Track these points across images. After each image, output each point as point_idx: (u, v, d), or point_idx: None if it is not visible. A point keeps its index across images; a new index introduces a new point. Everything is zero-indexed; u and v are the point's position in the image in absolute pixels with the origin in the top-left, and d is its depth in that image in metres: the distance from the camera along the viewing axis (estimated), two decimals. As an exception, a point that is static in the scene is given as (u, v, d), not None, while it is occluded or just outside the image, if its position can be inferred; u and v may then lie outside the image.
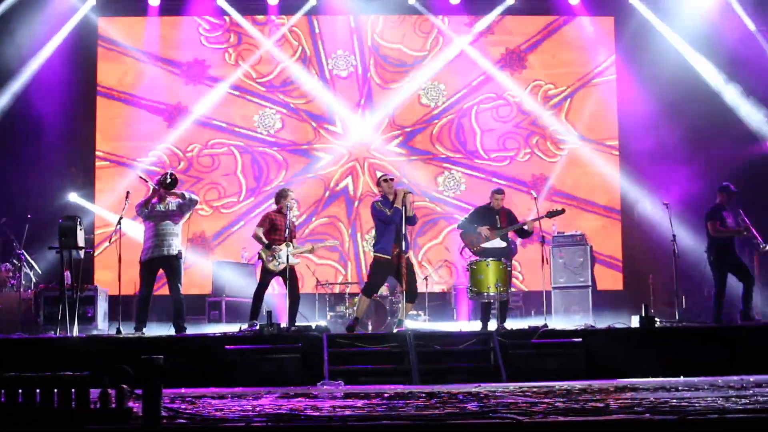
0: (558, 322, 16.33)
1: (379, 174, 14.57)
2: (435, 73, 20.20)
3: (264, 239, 14.44)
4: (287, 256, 14.13)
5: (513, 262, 15.40)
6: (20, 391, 6.79)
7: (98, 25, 19.78)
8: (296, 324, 13.99)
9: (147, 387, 6.61)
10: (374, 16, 20.10)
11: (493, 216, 14.63)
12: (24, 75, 18.77)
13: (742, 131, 18.59)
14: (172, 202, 14.05)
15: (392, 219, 13.66)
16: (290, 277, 14.10)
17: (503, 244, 14.53)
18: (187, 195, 14.16)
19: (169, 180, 14.04)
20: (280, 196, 14.63)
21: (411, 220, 13.91)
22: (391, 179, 14.09)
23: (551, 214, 14.69)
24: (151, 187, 14.11)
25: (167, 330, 14.21)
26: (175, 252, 14.03)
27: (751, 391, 9.17)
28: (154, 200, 14.02)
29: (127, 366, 6.70)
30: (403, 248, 13.62)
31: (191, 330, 14.36)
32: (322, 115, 20.09)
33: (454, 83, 20.27)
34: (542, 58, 20.39)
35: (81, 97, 19.72)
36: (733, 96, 18.76)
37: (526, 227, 14.63)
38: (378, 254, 13.81)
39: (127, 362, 6.89)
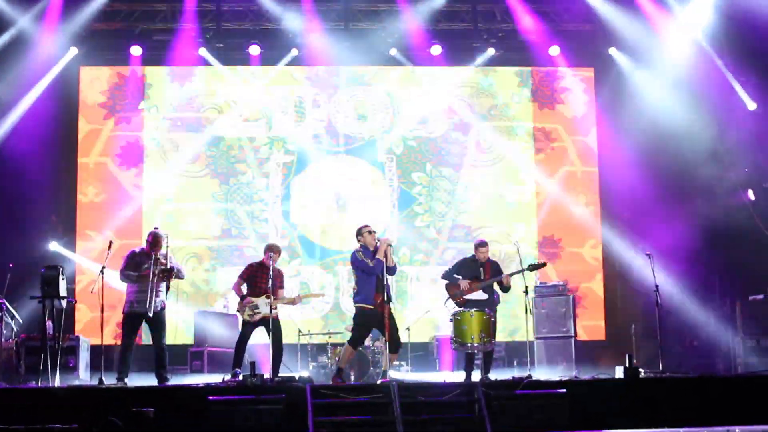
0: (541, 372, 16.32)
1: (360, 225, 14.53)
2: (415, 123, 20.31)
3: (240, 290, 14.47)
4: (266, 307, 14.13)
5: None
6: (9, 443, 6.74)
7: (80, 74, 19.78)
8: (279, 375, 13.94)
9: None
10: (355, 66, 20.17)
11: (477, 268, 14.63)
12: (5, 124, 18.73)
13: (723, 181, 18.67)
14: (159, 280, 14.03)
15: (374, 270, 13.66)
16: (273, 327, 14.08)
17: (485, 296, 14.51)
18: (175, 271, 14.14)
19: (167, 273, 14.03)
20: (269, 249, 14.64)
21: (391, 270, 13.89)
22: (374, 231, 14.10)
23: (532, 267, 14.71)
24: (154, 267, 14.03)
25: (149, 380, 14.11)
26: (159, 307, 13.97)
27: (737, 443, 9.18)
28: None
29: (114, 417, 6.66)
30: (386, 298, 13.63)
31: (173, 380, 14.28)
32: (303, 163, 20.16)
33: (432, 131, 20.37)
34: (523, 107, 20.52)
35: (62, 146, 19.68)
36: (713, 146, 18.86)
37: (504, 281, 14.61)
38: (361, 305, 13.75)
39: (110, 413, 6.84)
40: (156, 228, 14.52)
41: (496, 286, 14.72)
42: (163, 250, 14.12)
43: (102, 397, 12.33)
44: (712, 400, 12.66)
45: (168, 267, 13.99)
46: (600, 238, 20.12)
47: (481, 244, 14.84)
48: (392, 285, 14.37)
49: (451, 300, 14.66)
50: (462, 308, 14.28)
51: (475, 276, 14.56)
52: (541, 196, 20.28)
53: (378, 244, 13.81)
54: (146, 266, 13.90)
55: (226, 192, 20.01)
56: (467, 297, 14.48)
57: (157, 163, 19.98)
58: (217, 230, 19.92)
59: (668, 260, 17.18)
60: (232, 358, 14.43)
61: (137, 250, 14.24)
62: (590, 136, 20.47)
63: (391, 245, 13.86)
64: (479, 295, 14.50)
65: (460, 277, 14.65)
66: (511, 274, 14.65)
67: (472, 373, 14.30)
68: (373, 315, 13.66)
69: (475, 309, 14.11)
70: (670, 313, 16.72)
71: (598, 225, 20.16)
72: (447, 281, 14.80)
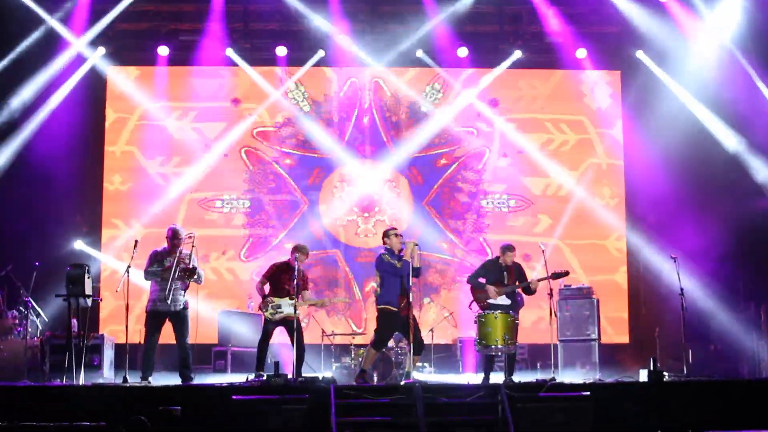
0: (564, 375, 16.30)
1: (387, 227, 14.59)
2: (443, 125, 20.26)
3: (262, 289, 14.51)
4: (290, 308, 14.14)
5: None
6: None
7: (108, 74, 19.87)
8: (303, 375, 13.96)
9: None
10: (382, 68, 20.14)
11: (501, 272, 14.68)
12: (33, 123, 18.83)
13: (749, 185, 18.60)
14: (180, 282, 14.08)
15: (401, 271, 13.71)
16: (294, 328, 14.12)
17: (508, 302, 14.52)
18: (195, 275, 14.19)
19: (187, 272, 14.10)
20: (295, 249, 14.62)
21: (417, 272, 13.93)
22: (400, 234, 14.13)
23: (556, 276, 14.64)
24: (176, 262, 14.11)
25: (174, 379, 14.16)
26: (180, 306, 14.08)
27: (762, 447, 9.15)
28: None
29: (142, 416, 6.69)
30: (409, 300, 13.66)
31: (197, 380, 14.33)
32: (329, 167, 20.19)
33: (458, 126, 20.36)
34: (548, 108, 20.53)
35: (89, 146, 19.77)
36: (739, 150, 18.80)
37: (531, 286, 14.67)
38: (385, 306, 13.81)
39: (134, 411, 6.86)
40: (174, 225, 14.64)
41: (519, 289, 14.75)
42: (186, 250, 14.18)
43: (127, 395, 12.40)
44: (736, 404, 12.64)
45: (191, 267, 14.06)
46: (624, 231, 20.08)
47: (508, 248, 14.84)
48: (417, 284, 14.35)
49: (475, 303, 14.70)
50: (486, 310, 14.31)
51: (499, 280, 14.58)
52: (566, 188, 20.25)
53: (404, 246, 13.86)
54: (168, 261, 13.99)
55: (251, 182, 20.13)
56: (490, 302, 14.50)
57: (183, 153, 20.07)
58: (241, 220, 20.02)
59: (693, 263, 17.11)
60: (256, 358, 14.44)
61: (159, 249, 14.32)
62: (615, 129, 20.42)
63: (417, 245, 13.90)
64: (502, 300, 14.54)
65: (484, 281, 14.68)
66: (537, 281, 14.67)
67: (491, 375, 14.37)
68: (397, 317, 13.70)
69: (499, 311, 14.13)
70: (695, 317, 16.64)
71: (622, 217, 20.13)
72: (471, 284, 14.82)
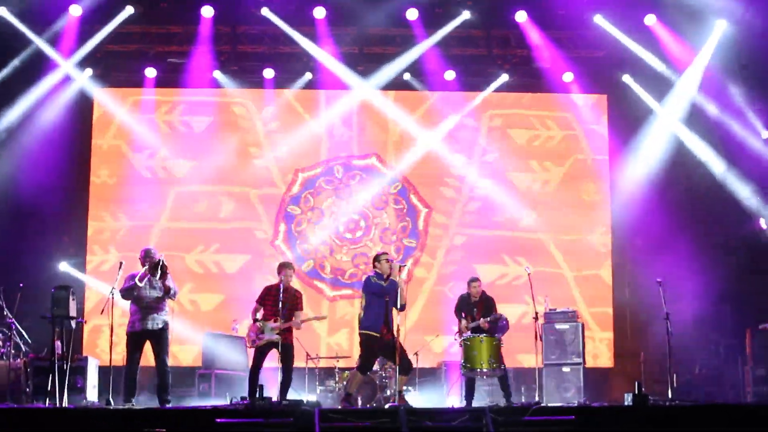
0: (549, 399, 16.27)
1: (378, 251, 14.62)
2: (429, 148, 20.26)
3: (254, 315, 14.51)
4: (272, 332, 14.15)
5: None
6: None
7: (95, 95, 19.84)
8: (287, 398, 13.91)
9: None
10: (369, 90, 20.10)
11: (471, 307, 15.25)
12: (18, 143, 18.80)
13: (736, 209, 18.66)
14: (156, 291, 14.09)
15: (387, 291, 13.69)
16: (283, 351, 14.12)
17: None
18: (171, 290, 14.19)
19: (159, 273, 14.08)
20: (284, 267, 14.64)
21: (401, 306, 13.89)
22: (391, 260, 14.13)
23: (493, 320, 15.13)
24: (138, 277, 14.07)
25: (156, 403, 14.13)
26: (161, 325, 14.08)
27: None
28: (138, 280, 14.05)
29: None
30: (393, 331, 13.64)
31: (181, 402, 14.29)
32: (311, 184, 20.26)
33: (448, 157, 20.35)
34: (533, 134, 20.59)
35: (74, 166, 19.73)
36: (725, 174, 18.86)
37: (481, 325, 15.05)
38: (367, 331, 13.81)
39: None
40: (147, 246, 14.71)
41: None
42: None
43: (111, 418, 12.35)
44: (720, 429, 12.58)
45: (156, 260, 14.10)
46: (609, 226, 20.20)
47: (473, 280, 15.49)
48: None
49: (458, 334, 15.14)
50: (471, 334, 14.43)
51: (470, 315, 15.16)
52: (551, 183, 20.35)
53: (391, 270, 13.87)
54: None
55: (238, 175, 20.17)
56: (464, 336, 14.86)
57: (170, 146, 20.09)
58: (227, 212, 20.01)
59: (679, 287, 17.11)
60: (240, 382, 14.40)
61: (135, 273, 14.30)
62: (601, 125, 20.54)
63: (404, 266, 14.02)
64: (469, 335, 14.85)
65: (462, 315, 15.24)
66: (485, 321, 14.93)
67: (473, 399, 14.59)
68: (378, 341, 13.71)
69: (484, 335, 14.20)
70: (680, 341, 16.65)
71: (608, 213, 20.27)
72: (457, 316, 15.45)
